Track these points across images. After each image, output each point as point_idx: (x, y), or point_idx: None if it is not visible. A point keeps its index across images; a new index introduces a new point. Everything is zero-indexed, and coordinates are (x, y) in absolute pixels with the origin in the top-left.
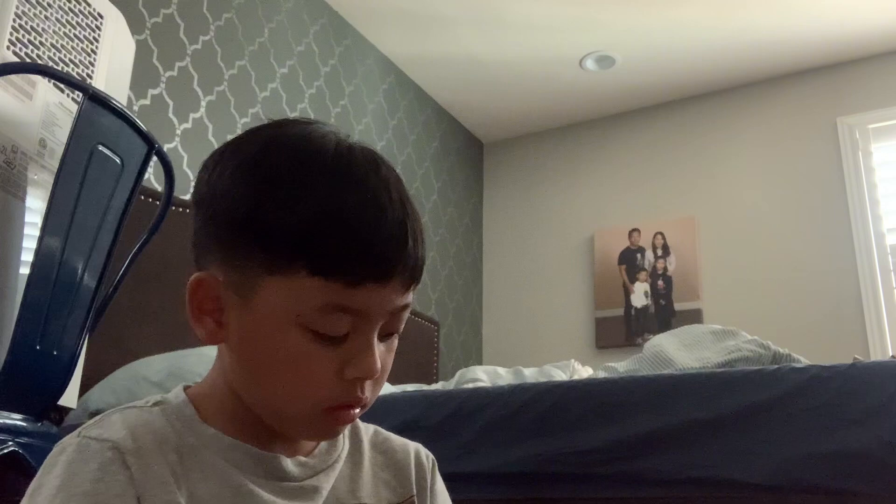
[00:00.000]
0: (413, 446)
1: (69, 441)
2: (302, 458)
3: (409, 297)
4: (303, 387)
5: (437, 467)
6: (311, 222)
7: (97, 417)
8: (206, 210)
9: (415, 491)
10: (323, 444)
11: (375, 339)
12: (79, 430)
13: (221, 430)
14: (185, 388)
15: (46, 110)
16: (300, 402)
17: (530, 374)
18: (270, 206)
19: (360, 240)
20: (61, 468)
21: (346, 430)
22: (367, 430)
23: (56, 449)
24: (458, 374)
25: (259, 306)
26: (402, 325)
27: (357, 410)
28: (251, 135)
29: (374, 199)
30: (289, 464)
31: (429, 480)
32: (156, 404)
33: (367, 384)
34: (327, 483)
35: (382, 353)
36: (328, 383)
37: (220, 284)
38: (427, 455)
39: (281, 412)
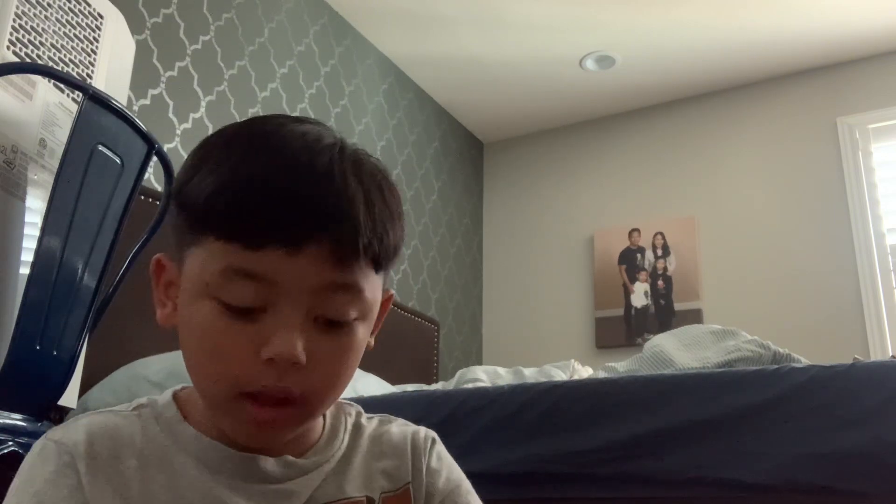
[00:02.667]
0: (411, 430)
1: (38, 442)
2: (290, 458)
3: (353, 278)
4: (219, 364)
5: (436, 444)
6: (220, 186)
7: (71, 420)
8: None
9: (410, 477)
10: (322, 443)
11: (298, 320)
12: (49, 431)
13: (204, 431)
14: (183, 388)
15: (46, 110)
16: (216, 383)
17: (530, 374)
18: (193, 177)
19: (263, 199)
20: (24, 468)
21: (349, 425)
22: (371, 421)
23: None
24: (458, 374)
25: (185, 279)
26: (352, 314)
27: (286, 412)
28: (225, 127)
29: (290, 160)
30: (269, 464)
31: (424, 461)
32: (138, 407)
33: (291, 374)
34: (309, 485)
35: (319, 342)
36: (242, 363)
37: (171, 265)
38: (426, 436)
39: (209, 400)
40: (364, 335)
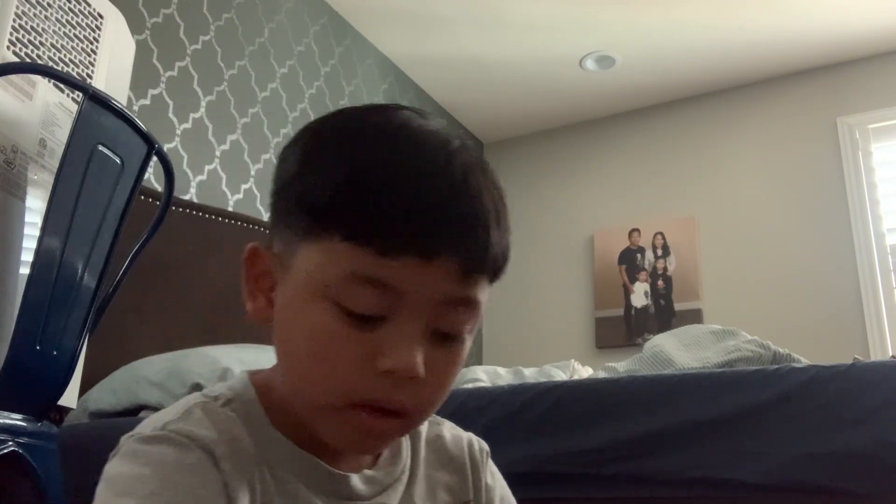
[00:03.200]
0: (466, 439)
1: (152, 433)
2: (368, 473)
3: (474, 291)
4: (328, 371)
5: (489, 458)
6: (349, 180)
7: (176, 410)
8: (273, 184)
9: (471, 495)
10: (386, 453)
11: (419, 332)
12: (159, 422)
13: (288, 435)
14: (253, 375)
15: (46, 110)
16: (326, 391)
17: (530, 374)
18: (314, 165)
19: (395, 204)
20: (149, 458)
21: (407, 435)
22: (425, 425)
23: (131, 441)
24: None
25: (294, 276)
26: (467, 328)
27: (394, 423)
28: (331, 114)
29: (427, 163)
30: (357, 482)
31: (483, 477)
32: (227, 402)
33: (407, 388)
34: (395, 498)
35: (433, 356)
36: (357, 372)
37: (272, 257)
38: (480, 448)
39: (311, 404)
40: (469, 347)
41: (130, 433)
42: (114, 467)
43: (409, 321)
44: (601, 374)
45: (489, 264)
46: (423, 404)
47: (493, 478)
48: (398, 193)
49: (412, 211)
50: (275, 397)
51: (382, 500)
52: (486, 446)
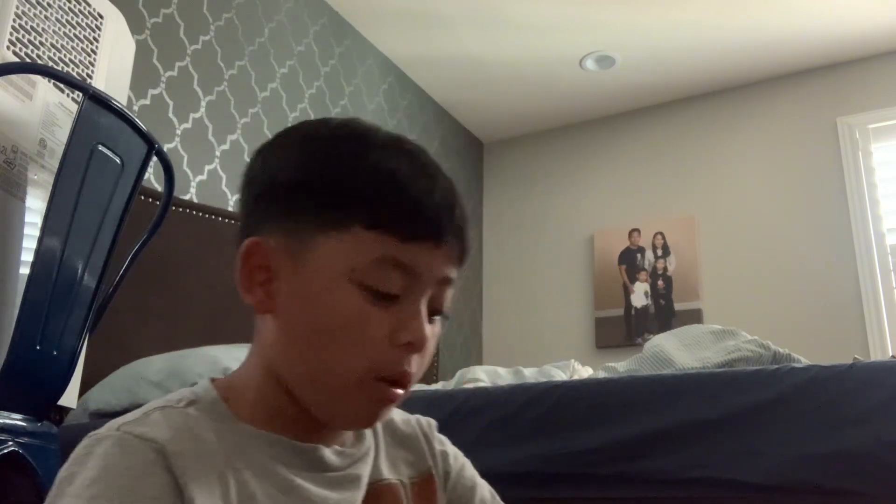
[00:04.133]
0: (414, 419)
1: (106, 433)
2: (339, 448)
3: (456, 273)
4: (356, 347)
5: (436, 429)
6: (368, 179)
7: (136, 413)
8: (261, 183)
9: (431, 463)
10: (350, 437)
11: (424, 309)
12: (116, 423)
13: (258, 426)
14: (214, 380)
15: (46, 110)
16: (351, 367)
17: (530, 374)
18: (330, 166)
19: (414, 198)
20: (98, 460)
21: None
22: None
23: (88, 440)
24: (458, 374)
25: (313, 266)
26: (447, 305)
27: (400, 393)
28: (306, 122)
29: (424, 167)
30: (329, 454)
31: (437, 446)
32: (190, 404)
33: (415, 358)
34: (366, 470)
35: (429, 331)
36: (380, 347)
37: (272, 251)
38: (428, 423)
39: (328, 384)
40: None
41: (90, 433)
42: (66, 468)
43: (418, 299)
44: (601, 374)
45: (468, 249)
46: (418, 373)
47: (444, 444)
48: (415, 188)
49: (427, 204)
50: (242, 396)
51: (354, 470)
52: (433, 421)
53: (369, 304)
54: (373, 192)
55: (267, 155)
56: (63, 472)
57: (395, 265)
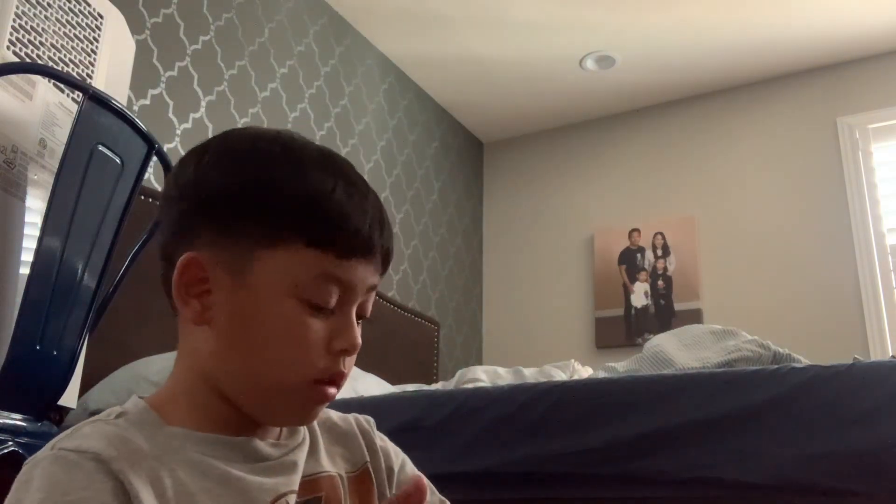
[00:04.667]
0: (352, 416)
1: (41, 456)
2: (272, 441)
3: (380, 280)
4: (298, 356)
5: (375, 426)
6: (307, 199)
7: (67, 431)
8: (194, 197)
9: (368, 457)
10: (285, 430)
11: (354, 317)
12: (48, 445)
13: (191, 429)
14: (141, 397)
15: (46, 110)
16: (293, 374)
17: (530, 374)
18: (269, 185)
19: (350, 217)
20: (41, 481)
21: None
22: None
23: (27, 465)
24: (458, 374)
25: (253, 281)
26: (370, 310)
27: (335, 391)
28: (232, 132)
29: (357, 185)
30: (263, 445)
31: (376, 441)
32: (119, 416)
33: (348, 361)
34: (301, 457)
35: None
36: (319, 354)
37: (208, 264)
38: (366, 419)
39: (270, 390)
40: None
41: (27, 460)
42: (10, 498)
43: (351, 309)
44: (601, 374)
45: (390, 258)
46: (349, 372)
47: (385, 440)
48: (351, 208)
49: (362, 222)
50: (172, 406)
51: (290, 457)
52: (371, 419)
53: (308, 315)
54: (311, 213)
55: (199, 165)
56: (7, 502)
57: (332, 280)
